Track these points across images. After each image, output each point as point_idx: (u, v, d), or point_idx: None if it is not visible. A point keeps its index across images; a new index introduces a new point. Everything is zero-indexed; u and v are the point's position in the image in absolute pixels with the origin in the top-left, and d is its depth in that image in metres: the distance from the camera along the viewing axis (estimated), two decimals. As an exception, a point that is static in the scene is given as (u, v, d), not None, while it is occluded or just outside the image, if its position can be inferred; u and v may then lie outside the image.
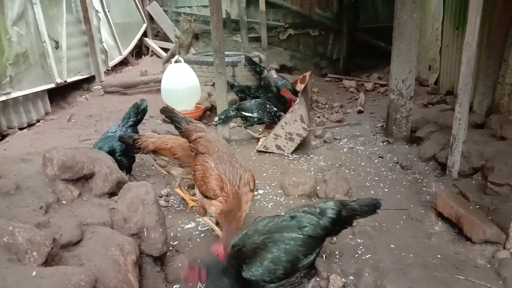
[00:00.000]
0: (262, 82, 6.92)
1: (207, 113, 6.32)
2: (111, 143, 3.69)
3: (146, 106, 4.13)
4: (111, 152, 3.58)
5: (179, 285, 2.57)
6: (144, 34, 10.35)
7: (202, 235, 3.22)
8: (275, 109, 5.41)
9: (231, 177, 2.76)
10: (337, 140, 5.48)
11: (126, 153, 3.73)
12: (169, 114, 3.40)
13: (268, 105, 5.37)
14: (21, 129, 5.81)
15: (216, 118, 5.22)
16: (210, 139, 3.07)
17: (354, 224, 2.53)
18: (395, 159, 4.69)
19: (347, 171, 4.43)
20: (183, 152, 3.42)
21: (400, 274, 2.58)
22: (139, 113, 4.05)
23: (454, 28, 6.48)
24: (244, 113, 5.31)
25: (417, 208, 3.57)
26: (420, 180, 4.11)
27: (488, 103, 5.09)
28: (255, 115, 5.30)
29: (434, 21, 7.38)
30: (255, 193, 3.93)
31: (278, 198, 3.81)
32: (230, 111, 5.27)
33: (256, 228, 2.35)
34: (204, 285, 2.36)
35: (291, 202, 3.71)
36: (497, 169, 3.49)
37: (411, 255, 2.86)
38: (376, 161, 4.71)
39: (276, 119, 5.21)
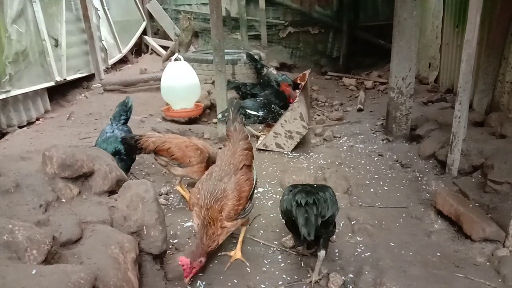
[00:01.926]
0: (261, 79, 6.91)
1: (206, 111, 6.32)
2: (114, 144, 3.70)
3: (132, 104, 4.14)
4: (116, 153, 3.61)
5: None
6: (144, 32, 10.33)
7: (202, 233, 3.22)
8: (278, 108, 5.41)
9: (208, 196, 2.62)
10: (336, 138, 5.48)
11: (129, 153, 3.76)
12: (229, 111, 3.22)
13: (272, 105, 5.37)
14: (20, 127, 5.80)
15: (220, 115, 5.14)
16: (226, 149, 2.99)
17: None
18: (395, 157, 4.69)
19: (346, 169, 4.43)
20: (180, 153, 3.43)
21: (400, 272, 2.58)
22: (127, 111, 4.07)
23: (454, 26, 6.47)
24: (248, 111, 5.29)
25: (416, 206, 3.58)
26: (419, 178, 4.11)
27: (488, 101, 5.08)
28: (260, 113, 5.31)
29: (434, 19, 7.37)
30: (255, 191, 3.93)
31: (278, 196, 3.80)
32: None
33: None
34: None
35: (290, 200, 3.71)
36: (496, 167, 3.49)
37: (411, 253, 2.86)
38: (375, 159, 4.71)
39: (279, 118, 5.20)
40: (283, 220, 2.82)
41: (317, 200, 2.49)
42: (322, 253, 2.61)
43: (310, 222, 2.37)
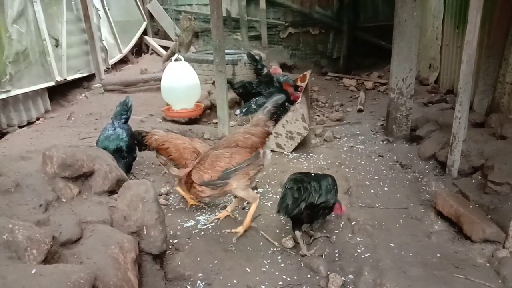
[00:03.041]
0: (261, 80, 6.90)
1: (207, 112, 6.31)
2: (116, 141, 3.74)
3: (132, 103, 4.19)
4: (118, 151, 3.65)
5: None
6: (144, 32, 10.32)
7: (202, 233, 3.21)
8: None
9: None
10: (337, 139, 5.48)
11: (130, 151, 3.82)
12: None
13: (286, 105, 5.44)
14: (21, 127, 5.80)
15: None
16: (225, 139, 3.22)
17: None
18: (395, 158, 4.69)
19: (347, 170, 4.43)
20: (177, 154, 3.47)
21: (400, 273, 2.58)
22: (127, 110, 4.10)
23: (454, 27, 6.47)
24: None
25: (416, 207, 3.58)
26: (420, 179, 4.11)
27: (488, 102, 5.08)
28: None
29: (435, 19, 7.37)
30: (255, 191, 3.94)
31: (278, 197, 3.79)
32: (252, 106, 5.57)
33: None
34: None
35: (291, 200, 3.71)
36: (497, 168, 3.49)
37: (411, 254, 2.86)
38: (376, 160, 4.71)
39: None
40: None
41: (303, 188, 2.70)
42: (316, 225, 2.98)
43: (284, 201, 2.68)
